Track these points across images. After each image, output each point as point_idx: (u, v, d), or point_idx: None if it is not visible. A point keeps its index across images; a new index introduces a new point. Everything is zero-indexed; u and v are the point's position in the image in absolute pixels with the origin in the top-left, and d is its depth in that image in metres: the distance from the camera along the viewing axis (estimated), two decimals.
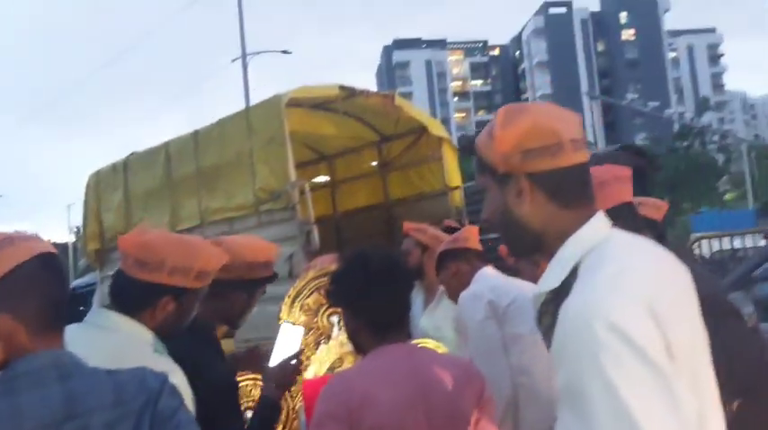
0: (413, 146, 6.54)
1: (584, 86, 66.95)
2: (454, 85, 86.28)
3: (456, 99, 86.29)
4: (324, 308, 2.75)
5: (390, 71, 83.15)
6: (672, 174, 45.62)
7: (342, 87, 5.45)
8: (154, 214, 6.02)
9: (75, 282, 9.57)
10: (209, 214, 5.38)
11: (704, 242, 9.22)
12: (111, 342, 1.52)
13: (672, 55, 79.87)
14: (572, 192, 1.15)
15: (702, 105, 59.09)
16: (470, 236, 3.09)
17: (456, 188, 6.32)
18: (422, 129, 6.35)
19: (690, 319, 1.08)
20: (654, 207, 2.70)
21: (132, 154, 6.56)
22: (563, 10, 78.03)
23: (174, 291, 1.61)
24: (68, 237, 41.39)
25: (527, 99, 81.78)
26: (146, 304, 1.60)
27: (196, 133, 5.66)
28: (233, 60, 20.33)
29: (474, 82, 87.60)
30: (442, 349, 2.51)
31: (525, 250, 1.23)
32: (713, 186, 47.31)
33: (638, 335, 0.95)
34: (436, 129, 6.37)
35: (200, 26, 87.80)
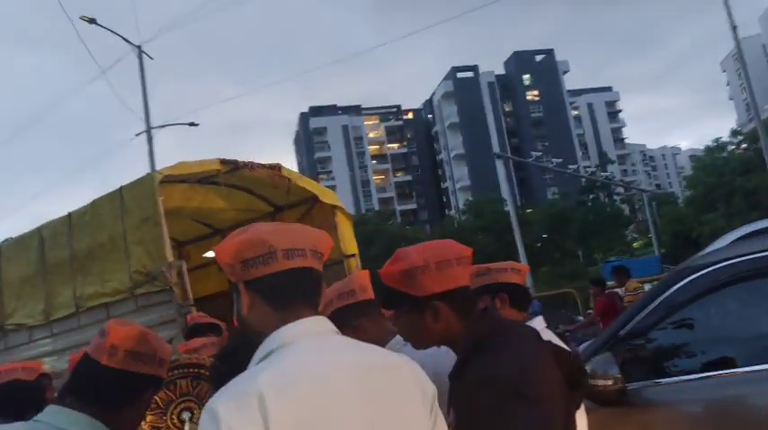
0: (306, 215, 6.46)
1: (494, 145, 69.43)
2: (372, 148, 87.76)
3: (374, 162, 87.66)
4: (174, 404, 2.56)
5: (308, 137, 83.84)
6: (582, 226, 47.53)
7: (223, 161, 5.34)
8: (28, 303, 5.64)
9: None
10: (85, 300, 5.06)
11: (613, 292, 9.43)
12: None
13: (574, 113, 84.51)
14: (284, 295, 1.25)
15: (603, 159, 62.34)
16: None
17: (352, 256, 6.24)
18: (314, 199, 6.29)
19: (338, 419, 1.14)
20: (513, 271, 2.67)
21: (6, 240, 6.17)
22: (470, 74, 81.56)
23: (156, 382, 1.58)
24: None
25: (441, 160, 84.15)
26: (133, 397, 1.53)
27: (69, 216, 5.36)
28: (137, 134, 19.79)
29: (390, 145, 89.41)
30: None
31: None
32: (621, 235, 49.50)
33: (224, 414, 1.08)
34: (328, 197, 6.32)
35: (107, 99, 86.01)
